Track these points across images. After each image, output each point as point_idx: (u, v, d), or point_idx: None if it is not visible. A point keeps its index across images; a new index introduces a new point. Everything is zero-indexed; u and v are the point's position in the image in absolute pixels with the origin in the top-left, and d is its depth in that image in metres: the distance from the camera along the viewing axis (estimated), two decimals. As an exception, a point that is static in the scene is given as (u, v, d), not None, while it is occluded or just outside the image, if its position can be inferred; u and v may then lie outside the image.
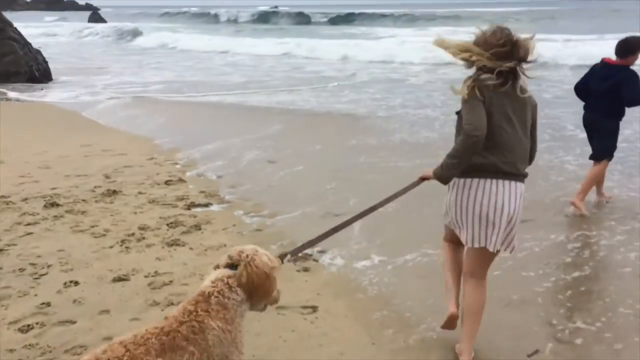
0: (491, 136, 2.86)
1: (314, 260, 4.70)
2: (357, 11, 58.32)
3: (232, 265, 2.39)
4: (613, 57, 5.37)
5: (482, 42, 2.87)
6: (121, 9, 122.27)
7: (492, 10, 65.41)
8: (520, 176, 3.00)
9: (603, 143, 5.50)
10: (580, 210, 5.47)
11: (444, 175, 2.98)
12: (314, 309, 3.89)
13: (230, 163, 7.83)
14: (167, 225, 5.46)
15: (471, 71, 2.95)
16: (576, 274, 4.42)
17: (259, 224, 5.57)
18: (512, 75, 2.87)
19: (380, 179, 6.75)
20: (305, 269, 4.53)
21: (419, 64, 19.79)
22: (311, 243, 3.07)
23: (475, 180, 2.96)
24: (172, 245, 4.99)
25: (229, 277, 2.33)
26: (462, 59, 2.91)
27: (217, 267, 2.45)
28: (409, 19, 48.06)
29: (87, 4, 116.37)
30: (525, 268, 4.47)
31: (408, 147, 8.47)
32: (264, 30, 41.81)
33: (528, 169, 3.09)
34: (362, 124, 10.36)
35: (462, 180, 3.00)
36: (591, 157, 5.62)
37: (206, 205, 6.12)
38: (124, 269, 4.50)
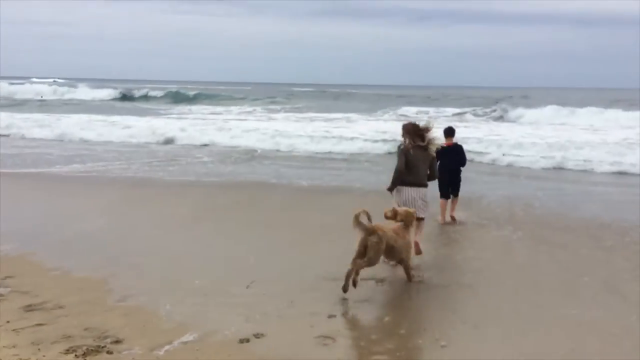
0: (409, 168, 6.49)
1: (108, 352, 4.24)
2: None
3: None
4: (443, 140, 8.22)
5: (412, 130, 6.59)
6: None
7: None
8: (421, 185, 6.57)
9: (460, 186, 8.65)
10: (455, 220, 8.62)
11: (391, 187, 6.59)
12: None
13: (7, 247, 6.84)
14: None
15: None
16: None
17: (42, 318, 4.88)
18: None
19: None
20: (99, 365, 4.06)
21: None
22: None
23: (402, 187, 6.54)
24: None
25: (398, 224, 5.89)
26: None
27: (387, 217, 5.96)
28: (203, 97, 48.41)
29: None
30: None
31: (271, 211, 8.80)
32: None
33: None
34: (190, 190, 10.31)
35: (401, 187, 6.55)
36: (454, 194, 8.63)
37: (-29, 301, 5.20)
38: None
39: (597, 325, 4.94)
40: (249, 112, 35.67)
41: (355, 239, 5.53)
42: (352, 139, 18.71)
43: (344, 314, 5.14)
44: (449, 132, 8.63)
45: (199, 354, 4.26)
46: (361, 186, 11.13)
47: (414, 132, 6.53)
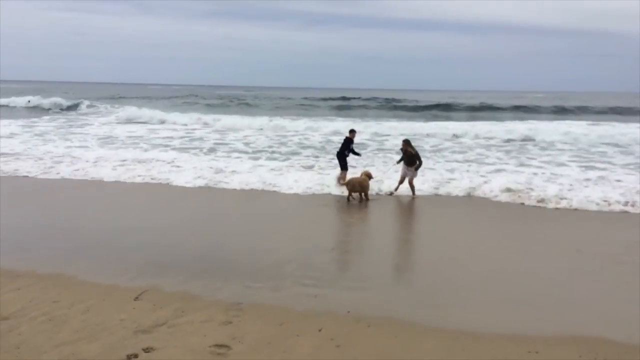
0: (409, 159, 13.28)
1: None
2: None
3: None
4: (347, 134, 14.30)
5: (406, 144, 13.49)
6: None
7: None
8: (413, 166, 13.21)
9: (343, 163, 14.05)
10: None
11: (416, 167, 13.35)
12: None
13: None
14: None
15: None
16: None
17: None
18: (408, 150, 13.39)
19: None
20: None
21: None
22: None
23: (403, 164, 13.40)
24: None
25: (365, 174, 12.76)
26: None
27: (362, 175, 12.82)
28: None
29: None
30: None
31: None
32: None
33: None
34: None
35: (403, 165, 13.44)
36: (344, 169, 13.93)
37: None
38: None
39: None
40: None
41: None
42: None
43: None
44: (352, 130, 14.25)
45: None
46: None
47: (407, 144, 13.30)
